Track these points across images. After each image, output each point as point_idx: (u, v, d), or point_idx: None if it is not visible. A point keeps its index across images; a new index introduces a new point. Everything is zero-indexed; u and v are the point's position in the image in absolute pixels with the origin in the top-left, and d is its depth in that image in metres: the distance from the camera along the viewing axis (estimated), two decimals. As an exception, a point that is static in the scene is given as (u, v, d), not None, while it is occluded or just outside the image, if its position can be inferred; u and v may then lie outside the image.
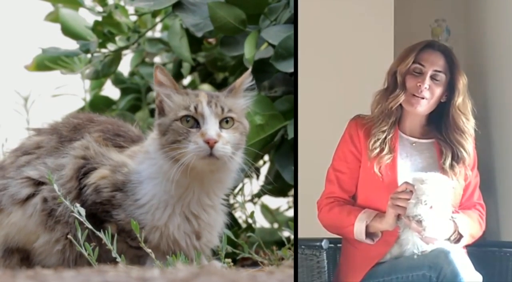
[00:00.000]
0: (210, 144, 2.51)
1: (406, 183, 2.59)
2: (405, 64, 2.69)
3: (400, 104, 2.70)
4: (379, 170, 2.66)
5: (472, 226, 2.68)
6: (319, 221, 2.75)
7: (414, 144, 2.72)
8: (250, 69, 2.65)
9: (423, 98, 2.67)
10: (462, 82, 2.69)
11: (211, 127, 2.54)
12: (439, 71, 2.68)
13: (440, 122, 2.72)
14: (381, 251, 2.66)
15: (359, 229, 2.64)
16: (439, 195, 2.58)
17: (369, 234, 2.65)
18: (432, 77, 2.68)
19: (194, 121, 2.56)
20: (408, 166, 2.69)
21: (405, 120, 2.73)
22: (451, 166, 2.68)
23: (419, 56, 2.70)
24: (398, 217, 2.60)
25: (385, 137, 2.67)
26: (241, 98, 2.64)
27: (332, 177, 2.75)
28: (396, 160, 2.67)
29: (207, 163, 2.54)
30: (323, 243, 2.74)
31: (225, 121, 2.57)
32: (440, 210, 2.58)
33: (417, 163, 2.70)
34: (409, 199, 2.57)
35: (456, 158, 2.68)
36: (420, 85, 2.66)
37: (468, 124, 2.70)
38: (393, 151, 2.67)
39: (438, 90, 2.68)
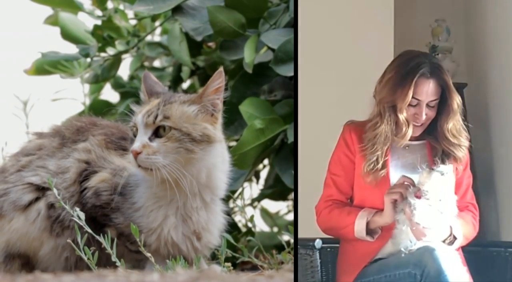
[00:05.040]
0: (133, 155, 2.53)
1: (404, 176, 2.62)
2: (405, 102, 2.63)
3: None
4: (374, 182, 2.67)
5: (465, 228, 2.68)
6: (318, 226, 2.75)
7: (407, 147, 2.72)
8: (220, 69, 2.60)
9: (421, 125, 2.68)
10: (456, 102, 2.66)
11: (139, 138, 2.54)
12: (434, 100, 2.66)
13: (431, 130, 2.71)
14: (374, 246, 2.67)
15: (360, 226, 2.66)
16: (438, 188, 2.59)
17: (369, 231, 2.66)
18: (428, 105, 2.66)
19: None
20: (399, 165, 2.69)
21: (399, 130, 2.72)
22: (442, 161, 2.67)
23: (415, 90, 2.64)
24: (395, 204, 2.61)
25: (378, 158, 2.66)
26: (206, 103, 2.59)
27: (329, 181, 2.76)
28: (389, 168, 2.68)
29: (142, 171, 2.55)
30: (316, 243, 2.77)
31: (162, 130, 2.55)
32: (436, 202, 2.58)
33: (408, 162, 2.70)
34: (406, 187, 2.58)
35: (447, 155, 2.69)
36: (418, 116, 2.66)
37: (458, 140, 2.68)
38: (386, 166, 2.67)
39: (433, 113, 2.68)
